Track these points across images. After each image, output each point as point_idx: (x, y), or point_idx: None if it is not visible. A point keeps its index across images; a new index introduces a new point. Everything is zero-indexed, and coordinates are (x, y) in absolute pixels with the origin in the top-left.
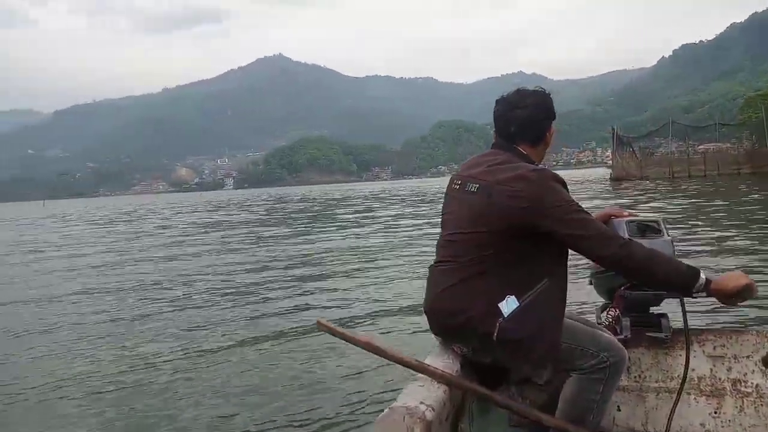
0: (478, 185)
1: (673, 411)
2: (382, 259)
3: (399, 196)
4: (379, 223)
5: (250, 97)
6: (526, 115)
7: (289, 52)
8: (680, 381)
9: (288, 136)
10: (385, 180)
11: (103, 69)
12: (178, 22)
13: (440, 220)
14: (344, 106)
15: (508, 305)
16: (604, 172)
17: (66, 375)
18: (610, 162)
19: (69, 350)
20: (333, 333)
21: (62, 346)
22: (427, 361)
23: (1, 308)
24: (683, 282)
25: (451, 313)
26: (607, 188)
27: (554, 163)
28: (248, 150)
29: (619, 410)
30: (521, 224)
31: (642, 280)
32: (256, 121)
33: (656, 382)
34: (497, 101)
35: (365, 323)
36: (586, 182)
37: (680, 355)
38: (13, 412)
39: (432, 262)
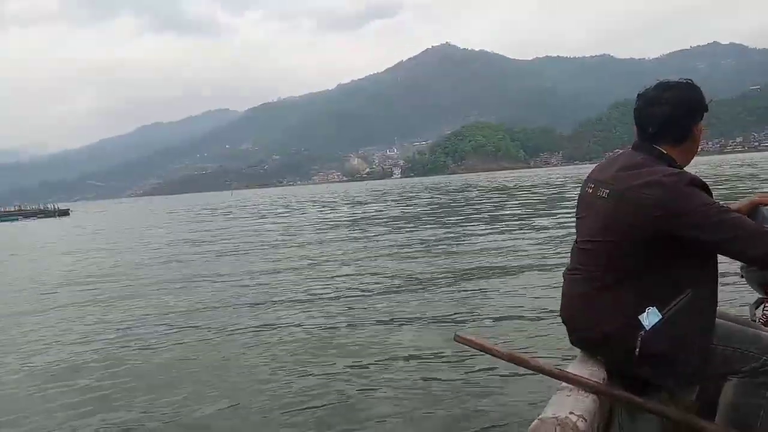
0: (608, 191)
1: None
2: (529, 258)
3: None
4: (537, 215)
5: (419, 87)
6: (664, 113)
7: (456, 40)
8: None
9: (455, 123)
10: (555, 166)
11: (287, 69)
12: (354, 20)
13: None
14: (512, 91)
15: (649, 318)
16: None
17: None
18: None
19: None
20: (472, 345)
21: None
22: (570, 369)
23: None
24: None
25: (587, 326)
26: None
27: (756, 143)
28: (416, 139)
29: None
30: (655, 233)
31: None
32: (424, 111)
33: None
34: (637, 96)
35: (505, 328)
36: None
37: None
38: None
39: (565, 269)
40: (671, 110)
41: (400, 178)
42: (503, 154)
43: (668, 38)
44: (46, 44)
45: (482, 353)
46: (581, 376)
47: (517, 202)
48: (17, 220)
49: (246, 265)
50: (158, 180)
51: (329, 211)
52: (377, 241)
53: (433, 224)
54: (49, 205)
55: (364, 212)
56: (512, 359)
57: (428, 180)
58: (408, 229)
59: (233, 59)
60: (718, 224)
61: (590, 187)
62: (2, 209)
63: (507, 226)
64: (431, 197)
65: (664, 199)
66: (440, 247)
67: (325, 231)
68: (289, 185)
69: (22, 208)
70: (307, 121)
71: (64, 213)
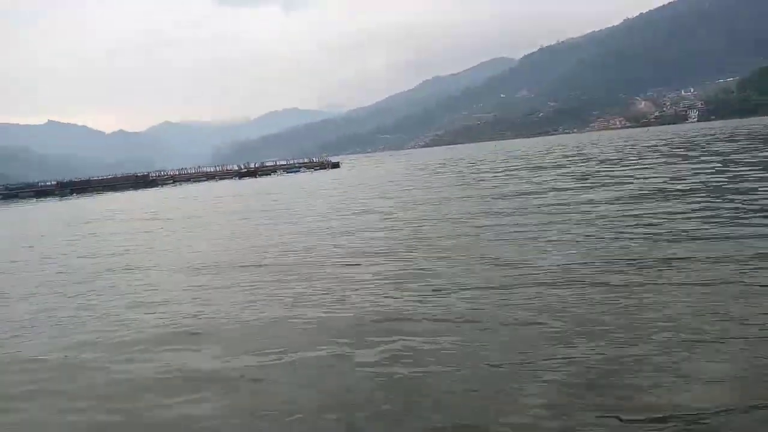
0: None
1: None
2: None
3: None
4: None
5: (727, 10)
6: None
7: None
8: None
9: None
10: None
11: (566, 7)
12: None
13: None
14: None
15: None
16: None
17: None
18: None
19: None
20: None
21: None
22: None
23: None
24: None
25: None
26: None
27: None
28: (721, 76)
29: None
30: None
31: None
32: (733, 41)
33: None
34: None
35: None
36: None
37: None
38: None
39: None
40: None
41: (696, 122)
42: None
43: None
44: (348, 12)
45: None
46: None
47: None
48: (300, 171)
49: None
50: (438, 131)
51: None
52: None
53: None
54: (327, 158)
55: None
56: None
57: (736, 123)
58: None
59: (507, 4)
60: None
61: None
62: (292, 161)
63: None
64: None
65: None
66: None
67: None
68: (565, 133)
69: (309, 161)
70: (587, 63)
71: (336, 165)
